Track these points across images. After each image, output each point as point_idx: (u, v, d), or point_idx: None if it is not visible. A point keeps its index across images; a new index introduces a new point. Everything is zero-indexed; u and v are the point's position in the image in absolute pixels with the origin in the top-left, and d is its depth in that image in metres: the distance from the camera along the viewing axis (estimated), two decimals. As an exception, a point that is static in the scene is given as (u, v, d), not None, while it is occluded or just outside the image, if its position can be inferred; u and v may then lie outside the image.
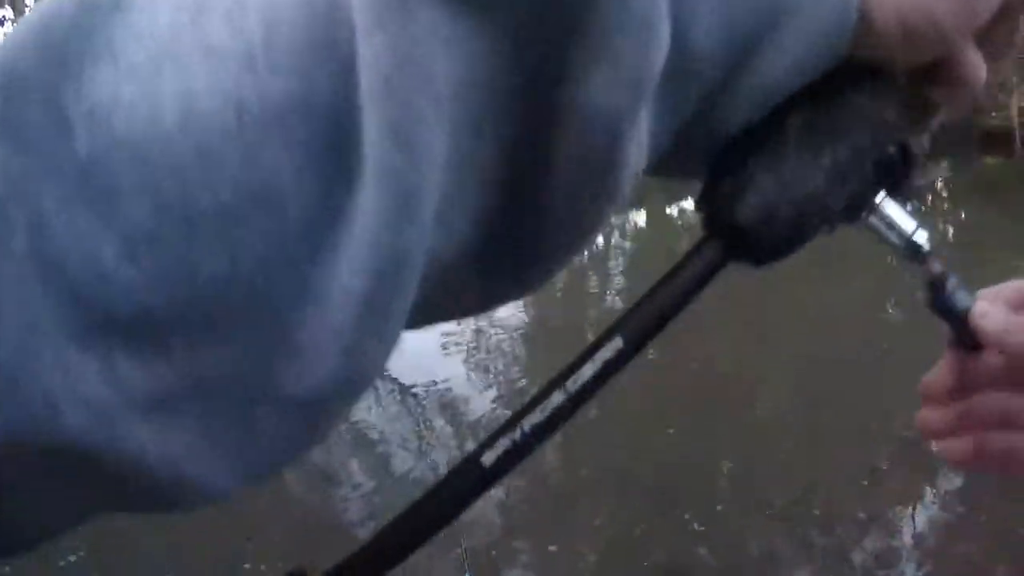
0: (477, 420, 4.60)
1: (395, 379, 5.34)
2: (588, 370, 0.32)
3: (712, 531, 3.34)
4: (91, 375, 0.20)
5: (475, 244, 0.28)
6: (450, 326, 6.46)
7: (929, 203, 13.82)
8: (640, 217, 12.01)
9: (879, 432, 4.05)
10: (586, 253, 10.06)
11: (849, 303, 6.20)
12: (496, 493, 3.72)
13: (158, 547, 3.30)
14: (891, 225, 0.38)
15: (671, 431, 4.19)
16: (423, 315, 0.29)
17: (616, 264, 9.22)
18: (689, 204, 12.85)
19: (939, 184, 16.76)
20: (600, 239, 10.79)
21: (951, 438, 0.48)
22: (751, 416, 4.32)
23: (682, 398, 4.57)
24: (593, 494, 3.68)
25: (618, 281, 8.40)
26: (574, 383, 0.32)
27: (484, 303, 0.34)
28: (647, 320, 0.33)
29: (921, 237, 0.39)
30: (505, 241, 0.29)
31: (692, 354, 5.22)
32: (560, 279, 8.66)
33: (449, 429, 4.55)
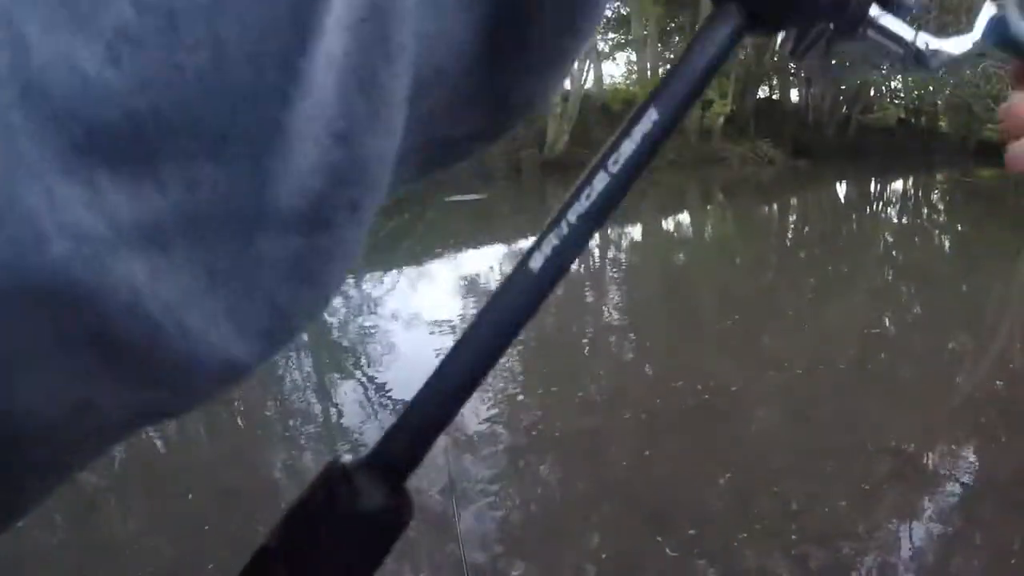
0: (472, 433, 4.59)
1: (388, 392, 5.34)
2: (628, 147, 0.31)
3: (708, 547, 3.32)
4: (76, 202, 0.19)
5: (470, 35, 0.27)
6: (444, 339, 6.47)
7: (926, 215, 13.87)
8: (636, 231, 12.05)
9: (876, 448, 4.05)
10: (581, 267, 10.11)
11: (845, 321, 6.21)
12: (492, 511, 3.71)
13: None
14: (890, 35, 0.37)
15: (667, 447, 4.18)
16: (433, 151, 0.30)
17: (612, 277, 9.21)
18: (685, 217, 12.92)
19: (935, 196, 16.81)
20: (596, 252, 10.81)
21: None
22: (747, 432, 4.32)
23: (679, 414, 4.56)
24: (588, 510, 3.67)
25: (614, 294, 8.40)
26: (615, 163, 0.30)
27: (495, 117, 0.33)
28: (678, 89, 0.32)
29: (923, 40, 0.37)
30: (502, 29, 0.28)
31: (689, 370, 5.23)
32: (556, 292, 8.67)
33: (441, 441, 4.52)
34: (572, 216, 0.29)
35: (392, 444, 0.30)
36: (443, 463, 4.27)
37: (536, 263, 0.29)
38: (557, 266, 0.29)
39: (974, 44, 0.39)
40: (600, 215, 0.30)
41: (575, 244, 0.30)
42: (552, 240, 0.29)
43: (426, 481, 4.07)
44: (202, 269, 0.22)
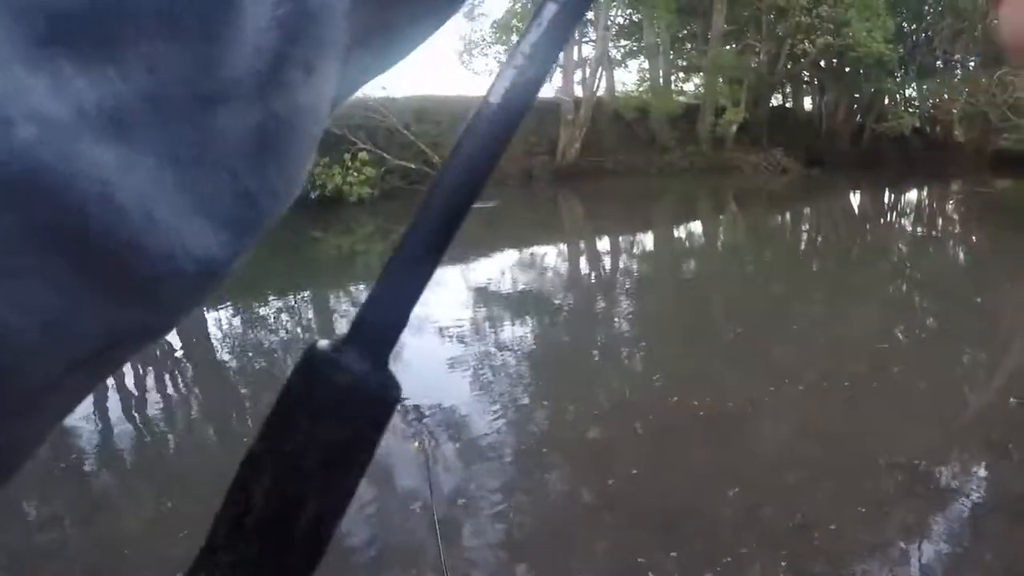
0: (480, 439, 4.58)
1: (401, 398, 5.32)
2: None
3: (716, 560, 3.29)
4: (41, 89, 0.20)
5: None
6: (456, 348, 6.47)
7: (940, 226, 13.79)
8: (647, 238, 12.04)
9: (886, 463, 4.01)
10: (592, 273, 10.11)
11: (856, 333, 6.17)
12: (500, 520, 3.70)
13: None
14: None
15: (678, 458, 4.16)
16: (383, 34, 0.30)
17: (623, 285, 9.19)
18: (697, 226, 12.91)
19: (950, 206, 16.72)
20: (607, 259, 10.81)
21: None
22: (758, 446, 4.30)
23: (690, 426, 4.54)
24: (598, 520, 3.65)
25: (625, 303, 8.38)
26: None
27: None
28: None
29: None
30: None
31: (699, 381, 5.22)
32: (567, 302, 8.70)
33: (452, 447, 4.52)
34: (526, 47, 0.28)
35: (369, 319, 0.28)
36: (459, 463, 4.28)
37: (496, 97, 0.28)
38: (518, 97, 0.28)
39: None
40: (553, 45, 0.29)
41: (532, 75, 0.28)
42: (509, 72, 0.28)
43: (431, 477, 4.08)
44: (167, 156, 0.22)
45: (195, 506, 3.99)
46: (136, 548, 3.68)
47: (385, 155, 18.30)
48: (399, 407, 4.13)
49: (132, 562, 3.58)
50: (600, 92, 21.50)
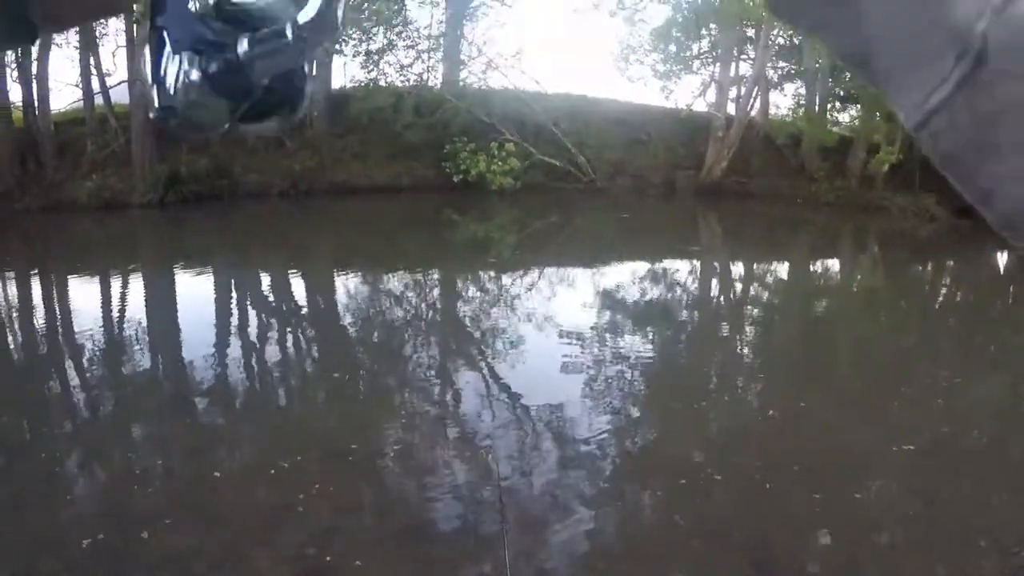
0: (584, 442, 4.66)
1: (513, 392, 5.47)
2: None
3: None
4: None
5: None
6: (572, 349, 6.57)
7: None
8: (782, 269, 11.86)
9: (989, 543, 3.80)
10: (721, 297, 10.04)
11: (984, 399, 5.94)
12: (590, 541, 3.77)
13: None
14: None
15: (773, 495, 4.14)
16: None
17: (751, 314, 9.10)
18: (835, 263, 12.63)
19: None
20: (738, 286, 10.70)
21: None
22: (858, 496, 4.20)
23: (791, 463, 4.50)
24: (687, 548, 3.67)
25: (749, 329, 8.31)
26: None
27: None
28: None
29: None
30: None
31: (813, 424, 5.14)
32: (691, 320, 8.68)
33: (555, 446, 4.62)
34: None
35: None
36: (557, 462, 4.38)
37: None
38: None
39: None
40: None
41: None
42: None
43: (532, 471, 4.19)
44: None
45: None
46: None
47: (531, 149, 18.47)
48: (511, 406, 4.24)
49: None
50: (753, 112, 21.15)
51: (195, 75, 0.42)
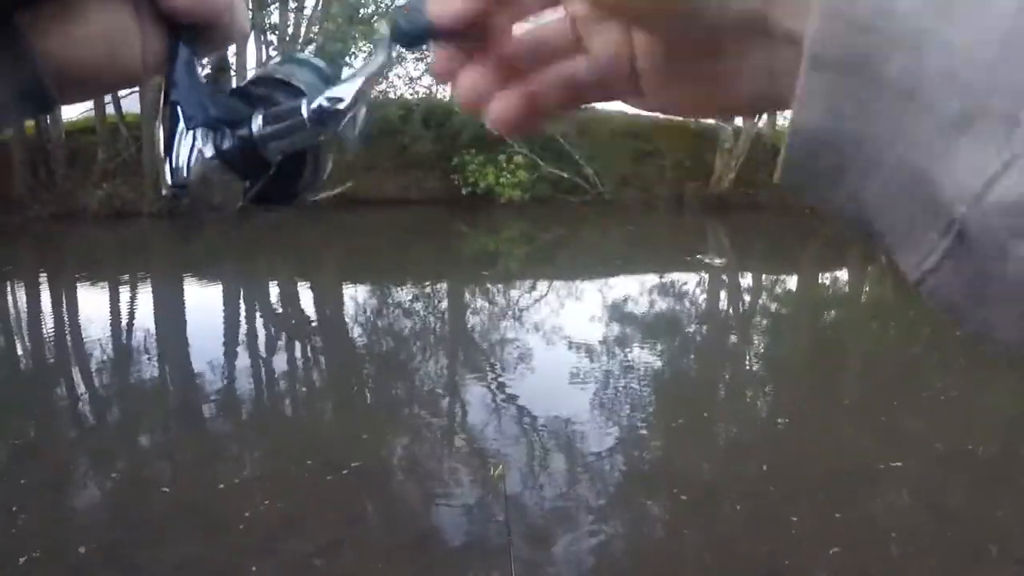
0: (592, 455, 4.65)
1: (520, 404, 5.46)
2: None
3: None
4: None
5: None
6: (582, 360, 6.56)
7: None
8: (791, 280, 11.82)
9: (1000, 554, 3.79)
10: (729, 307, 10.02)
11: (994, 409, 5.91)
12: (594, 547, 3.77)
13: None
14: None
15: (788, 511, 4.11)
16: None
17: (759, 325, 9.07)
18: (843, 275, 12.61)
19: None
20: (746, 297, 10.68)
21: None
22: (871, 510, 4.18)
23: (806, 479, 4.48)
24: (699, 563, 3.66)
25: (758, 342, 8.29)
26: None
27: None
28: None
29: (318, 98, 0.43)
30: None
31: (821, 436, 5.11)
32: (699, 333, 8.66)
33: (562, 459, 4.61)
34: None
35: None
36: (565, 476, 4.37)
37: None
38: None
39: (381, 64, 0.44)
40: None
41: None
42: None
43: (540, 484, 4.18)
44: None
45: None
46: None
47: (540, 161, 18.49)
48: (518, 418, 4.26)
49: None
50: (761, 124, 21.14)
51: (208, 152, 0.43)
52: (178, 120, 0.43)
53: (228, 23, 0.43)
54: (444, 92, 20.98)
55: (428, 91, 20.02)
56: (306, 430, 5.19)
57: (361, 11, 18.03)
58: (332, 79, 0.45)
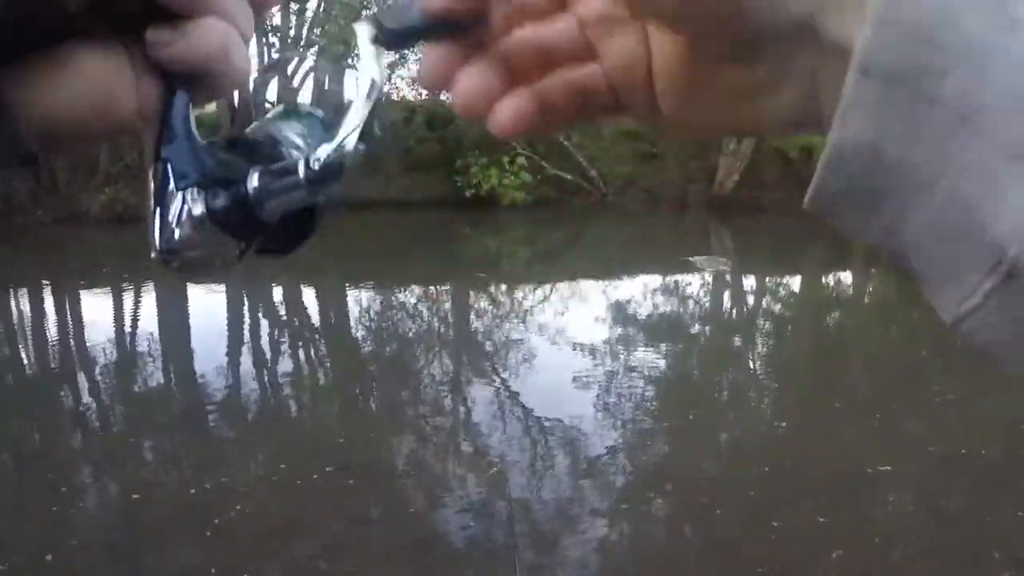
0: (594, 458, 4.65)
1: (524, 406, 5.45)
2: None
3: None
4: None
5: None
6: (584, 363, 6.55)
7: None
8: (793, 282, 11.79)
9: (1002, 556, 3.77)
10: (732, 310, 10.00)
11: (996, 412, 5.89)
12: (601, 555, 3.76)
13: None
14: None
15: (787, 510, 4.11)
16: None
17: (761, 328, 9.06)
18: (847, 276, 12.58)
19: None
20: (749, 299, 10.66)
21: None
22: (870, 512, 4.17)
23: (804, 479, 4.47)
24: (699, 563, 3.66)
25: (760, 344, 8.27)
26: None
27: None
28: None
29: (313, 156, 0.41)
30: None
31: (822, 438, 5.11)
32: (702, 334, 8.66)
33: (566, 461, 4.61)
34: None
35: None
36: (569, 477, 4.36)
37: None
38: None
39: (374, 83, 0.40)
40: None
41: None
42: None
43: (543, 486, 4.17)
44: None
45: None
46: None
47: (543, 163, 18.46)
48: (522, 421, 4.26)
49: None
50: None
51: (198, 211, 0.39)
52: (168, 180, 0.40)
53: (223, 69, 0.39)
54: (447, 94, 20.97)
55: (431, 92, 20.04)
56: (308, 432, 5.19)
57: (363, 12, 18.04)
58: (331, 126, 0.42)
